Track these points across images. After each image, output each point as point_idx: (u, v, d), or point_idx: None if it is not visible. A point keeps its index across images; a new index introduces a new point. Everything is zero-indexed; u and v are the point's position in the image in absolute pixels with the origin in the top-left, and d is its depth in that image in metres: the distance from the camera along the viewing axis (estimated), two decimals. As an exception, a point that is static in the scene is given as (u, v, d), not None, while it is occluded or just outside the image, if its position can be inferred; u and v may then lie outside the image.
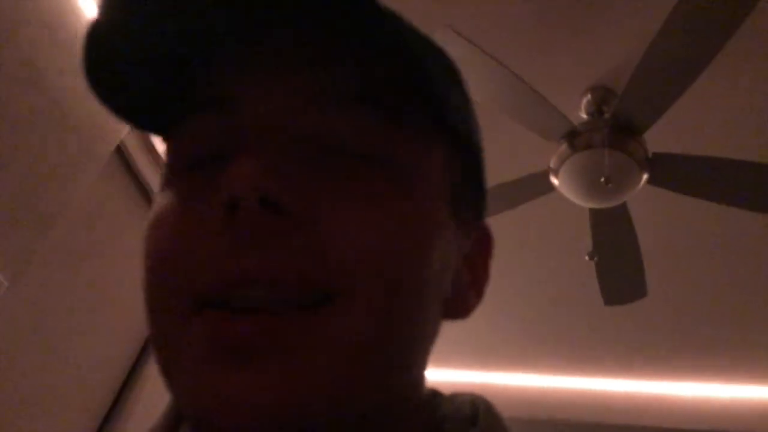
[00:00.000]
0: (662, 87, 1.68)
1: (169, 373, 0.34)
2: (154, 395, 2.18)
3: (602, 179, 1.78)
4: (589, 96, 2.00)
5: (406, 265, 0.34)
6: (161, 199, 0.37)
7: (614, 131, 1.82)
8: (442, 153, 0.40)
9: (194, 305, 0.32)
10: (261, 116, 0.35)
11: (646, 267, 2.18)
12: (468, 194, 0.43)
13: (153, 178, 2.21)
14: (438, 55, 0.36)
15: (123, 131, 1.95)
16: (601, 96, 1.99)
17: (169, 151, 0.39)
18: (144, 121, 0.41)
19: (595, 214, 2.03)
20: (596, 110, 1.99)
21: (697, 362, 2.96)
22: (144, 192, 2.21)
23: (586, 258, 2.05)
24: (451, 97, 0.38)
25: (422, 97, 0.37)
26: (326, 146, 0.35)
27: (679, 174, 1.89)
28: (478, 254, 0.45)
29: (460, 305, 0.42)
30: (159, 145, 2.23)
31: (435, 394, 0.43)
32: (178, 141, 0.38)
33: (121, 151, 2.06)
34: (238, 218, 0.30)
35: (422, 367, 0.39)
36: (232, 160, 0.32)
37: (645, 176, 1.88)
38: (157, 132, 0.42)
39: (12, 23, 1.53)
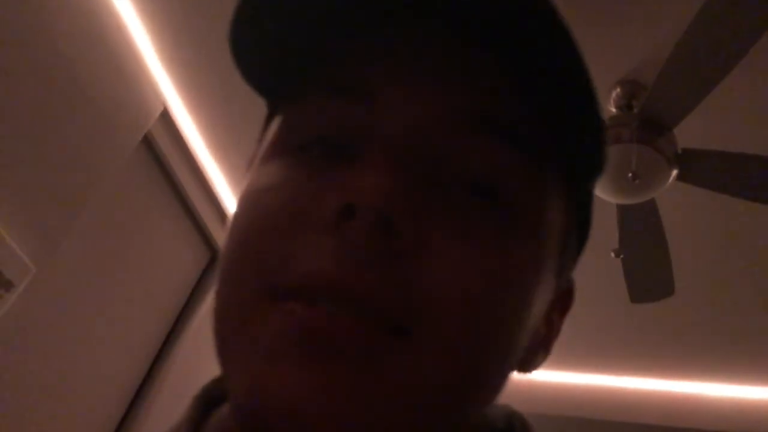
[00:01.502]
0: (693, 81, 1.65)
1: (228, 357, 0.32)
2: (181, 378, 2.20)
3: (630, 175, 1.75)
4: (618, 90, 1.97)
5: (500, 322, 0.32)
6: (265, 171, 0.36)
7: (643, 126, 1.79)
8: (565, 205, 0.37)
9: (277, 295, 0.30)
10: (399, 120, 0.33)
11: (674, 265, 2.15)
12: (572, 249, 0.40)
13: (179, 168, 2.23)
14: (594, 97, 0.33)
15: (150, 121, 1.97)
16: (631, 90, 1.95)
17: (282, 123, 0.37)
18: (261, 82, 0.39)
19: (622, 210, 2.01)
20: (625, 104, 1.95)
21: (727, 363, 2.91)
22: (170, 180, 2.23)
23: (612, 255, 2.02)
24: (595, 153, 0.36)
25: (565, 143, 0.35)
26: (454, 173, 0.33)
27: (709, 170, 1.86)
28: (558, 309, 0.41)
29: (528, 360, 0.39)
30: (186, 135, 2.25)
31: None
32: (297, 115, 0.36)
33: (148, 141, 2.08)
34: (351, 227, 0.29)
35: (480, 415, 0.37)
36: (361, 164, 0.31)
37: (674, 172, 1.84)
38: (268, 96, 0.40)
39: (46, 17, 1.55)
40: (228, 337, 0.32)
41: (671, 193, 1.94)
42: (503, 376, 0.35)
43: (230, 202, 2.56)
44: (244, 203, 0.35)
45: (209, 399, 0.42)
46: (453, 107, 0.33)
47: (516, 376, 0.39)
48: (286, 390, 0.28)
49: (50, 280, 1.68)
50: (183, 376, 2.21)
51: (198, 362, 2.18)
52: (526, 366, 0.39)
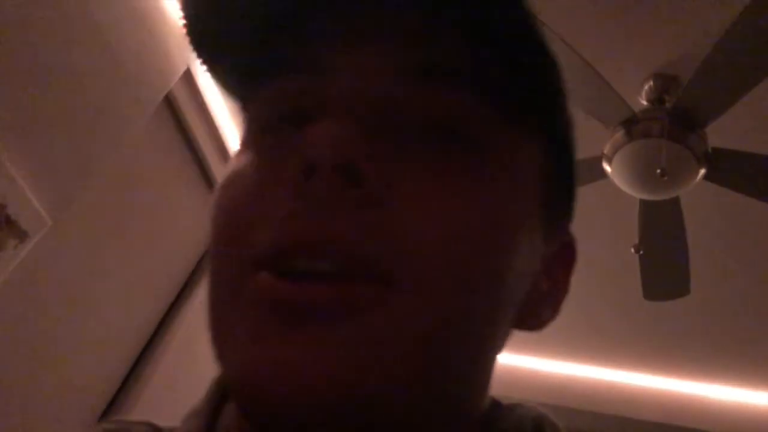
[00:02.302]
0: (730, 80, 1.61)
1: (218, 340, 0.32)
2: (192, 334, 2.21)
3: (657, 171, 1.72)
4: (651, 82, 1.92)
5: (482, 261, 0.32)
6: (238, 158, 0.36)
7: (675, 122, 1.75)
8: (537, 148, 0.37)
9: (252, 267, 0.30)
10: (349, 80, 0.33)
11: (693, 265, 2.11)
12: (558, 196, 0.40)
13: (199, 130, 2.22)
14: (544, 48, 0.33)
15: (172, 81, 1.95)
16: (665, 83, 1.91)
17: (250, 112, 0.39)
18: (229, 82, 0.40)
19: (645, 205, 1.97)
20: (657, 98, 1.91)
21: (738, 367, 2.89)
22: (188, 141, 2.22)
23: (632, 250, 1.99)
24: (552, 93, 0.36)
25: (523, 88, 0.35)
26: (414, 121, 0.33)
27: (738, 172, 1.82)
28: (559, 264, 0.41)
29: (533, 316, 0.39)
30: (207, 97, 2.23)
31: (494, 405, 0.40)
32: (261, 102, 0.37)
33: (169, 101, 2.06)
34: (313, 183, 0.29)
35: (484, 380, 0.37)
36: (315, 122, 0.31)
37: (702, 171, 1.81)
38: (237, 96, 0.41)
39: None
40: (214, 322, 0.33)
41: (697, 191, 1.91)
42: (499, 328, 0.35)
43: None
44: (222, 190, 0.35)
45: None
46: (406, 61, 0.34)
47: (524, 334, 0.40)
48: (280, 359, 0.28)
49: (66, 233, 1.68)
50: (195, 332, 2.21)
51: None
52: (530, 323, 0.39)
